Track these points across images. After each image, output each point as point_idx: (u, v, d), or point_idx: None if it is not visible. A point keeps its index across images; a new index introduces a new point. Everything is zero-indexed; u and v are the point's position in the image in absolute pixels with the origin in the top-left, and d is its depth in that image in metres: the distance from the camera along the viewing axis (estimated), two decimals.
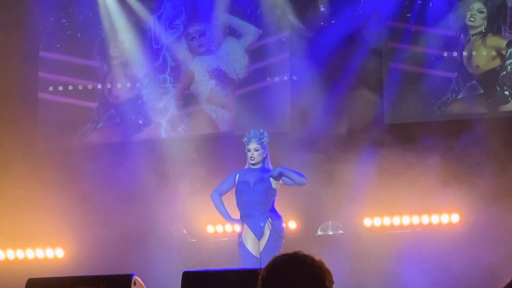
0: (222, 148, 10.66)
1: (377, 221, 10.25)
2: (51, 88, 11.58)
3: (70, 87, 11.57)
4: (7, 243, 10.82)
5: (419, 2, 10.79)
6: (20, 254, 10.85)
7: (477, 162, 9.92)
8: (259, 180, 8.00)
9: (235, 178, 8.10)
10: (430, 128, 10.34)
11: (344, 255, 9.75)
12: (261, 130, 8.12)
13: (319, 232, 10.43)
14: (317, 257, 2.89)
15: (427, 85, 10.71)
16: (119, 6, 11.43)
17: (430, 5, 10.77)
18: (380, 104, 10.74)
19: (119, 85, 11.51)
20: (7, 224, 10.71)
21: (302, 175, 8.03)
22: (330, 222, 10.44)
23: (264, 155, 8.07)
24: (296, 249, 2.92)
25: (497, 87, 10.55)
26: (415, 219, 10.16)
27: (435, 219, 10.11)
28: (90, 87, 11.57)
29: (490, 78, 10.57)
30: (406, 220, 10.18)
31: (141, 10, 11.42)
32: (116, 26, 11.45)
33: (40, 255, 10.84)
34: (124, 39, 11.49)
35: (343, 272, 9.37)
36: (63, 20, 11.66)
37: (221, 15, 11.30)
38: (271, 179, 7.99)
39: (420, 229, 10.17)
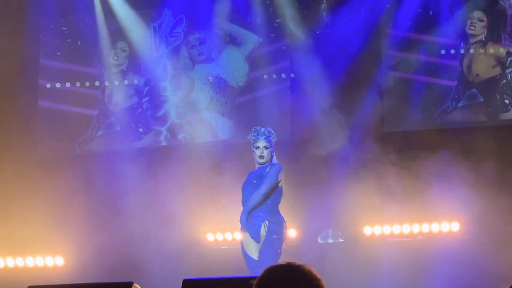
0: (222, 156, 10.67)
1: (377, 229, 10.24)
2: (48, 85, 11.57)
3: (70, 86, 11.57)
4: (7, 251, 10.80)
5: (419, 10, 10.80)
6: (19, 262, 10.83)
7: (477, 170, 9.92)
8: (260, 177, 7.72)
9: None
10: (430, 137, 10.35)
11: (344, 263, 9.75)
12: (268, 128, 7.88)
13: (319, 240, 10.42)
14: (307, 266, 2.92)
15: (427, 93, 10.71)
16: (119, 14, 11.45)
17: (430, 13, 10.78)
18: (380, 112, 10.74)
19: (119, 93, 11.52)
20: (6, 232, 10.70)
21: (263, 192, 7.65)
22: (330, 230, 10.43)
23: (272, 154, 7.82)
24: (292, 259, 2.95)
25: (497, 96, 10.55)
26: (415, 228, 10.15)
27: (435, 227, 10.10)
28: (90, 94, 11.57)
29: (490, 87, 10.58)
30: (406, 228, 10.17)
31: (141, 18, 11.44)
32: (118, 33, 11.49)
33: (40, 263, 10.82)
34: (124, 47, 11.51)
35: (343, 280, 9.36)
36: (64, 28, 11.68)
37: (222, 23, 11.31)
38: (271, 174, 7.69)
39: (420, 237, 10.16)
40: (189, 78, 11.43)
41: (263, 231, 7.59)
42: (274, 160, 7.84)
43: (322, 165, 10.33)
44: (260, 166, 7.77)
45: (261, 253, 7.59)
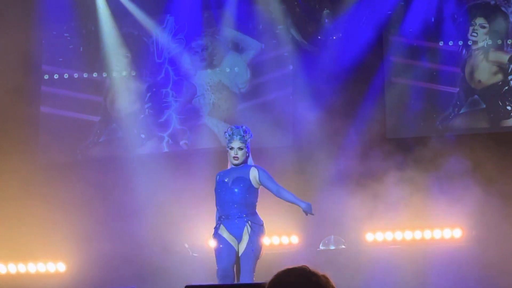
0: (224, 162, 10.63)
1: (379, 236, 10.23)
2: (50, 91, 11.57)
3: (72, 92, 11.57)
4: (8, 257, 10.79)
5: (421, 16, 10.80)
6: (21, 268, 10.82)
7: (479, 177, 9.91)
8: (238, 178, 7.35)
9: (215, 181, 7.49)
10: (432, 143, 10.34)
11: (346, 270, 9.73)
12: (244, 127, 7.49)
13: (321, 247, 10.40)
14: (321, 273, 2.85)
15: (429, 99, 10.71)
16: (122, 20, 11.45)
17: (433, 20, 10.79)
18: (381, 118, 10.74)
19: (121, 99, 11.52)
20: (8, 238, 10.69)
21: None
22: (332, 236, 10.42)
23: (247, 154, 7.43)
24: (301, 264, 2.87)
25: (499, 102, 10.55)
26: (417, 234, 10.15)
27: (437, 234, 10.09)
28: (92, 100, 11.57)
29: (492, 93, 10.58)
30: (408, 235, 10.16)
31: (143, 24, 11.44)
32: (119, 39, 11.49)
33: (42, 269, 10.81)
34: (126, 53, 11.52)
35: (344, 287, 9.35)
36: (66, 34, 11.67)
37: (224, 30, 11.32)
38: (251, 177, 7.36)
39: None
40: (191, 84, 11.43)
41: (245, 232, 7.28)
42: (250, 161, 7.48)
43: (324, 171, 10.32)
44: (234, 166, 7.43)
45: (242, 256, 7.27)
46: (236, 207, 7.31)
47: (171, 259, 10.42)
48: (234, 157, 7.38)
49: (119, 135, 11.45)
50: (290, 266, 2.86)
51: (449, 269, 9.68)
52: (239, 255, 7.30)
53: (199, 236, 10.44)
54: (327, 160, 10.39)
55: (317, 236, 10.38)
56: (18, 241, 10.69)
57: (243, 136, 7.41)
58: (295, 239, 10.31)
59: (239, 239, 7.30)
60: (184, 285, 6.04)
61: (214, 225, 7.48)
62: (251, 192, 7.34)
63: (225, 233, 7.33)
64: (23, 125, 11.34)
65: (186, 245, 10.61)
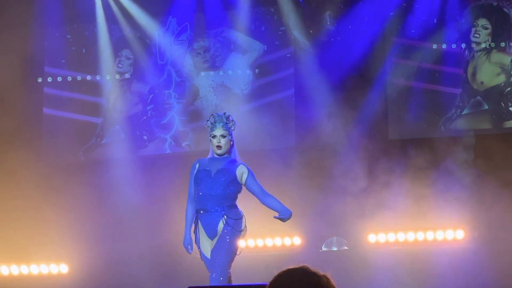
0: None
1: (381, 237, 10.23)
2: (53, 93, 11.57)
3: (75, 94, 11.58)
4: (11, 258, 10.80)
5: (423, 18, 10.81)
6: (24, 269, 10.83)
7: (481, 178, 9.91)
8: (223, 170, 7.01)
9: (195, 169, 7.12)
10: (435, 144, 10.34)
11: (348, 271, 9.73)
12: (226, 113, 7.11)
13: (323, 248, 10.40)
14: (322, 273, 2.84)
15: (431, 101, 10.71)
16: (124, 22, 11.46)
17: (434, 21, 10.79)
18: (384, 120, 10.74)
19: (123, 101, 11.52)
20: (11, 239, 10.70)
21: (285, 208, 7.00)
22: (335, 238, 10.42)
23: (231, 143, 7.08)
24: (302, 264, 2.87)
25: (502, 103, 10.55)
26: (420, 235, 10.14)
27: (439, 235, 10.08)
28: (94, 102, 11.58)
29: (495, 94, 10.58)
30: (411, 236, 10.16)
31: (146, 26, 11.45)
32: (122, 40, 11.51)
33: (44, 271, 10.82)
34: (128, 54, 11.53)
35: None
36: (68, 36, 11.69)
37: (226, 31, 11.32)
38: (237, 173, 7.00)
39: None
40: (193, 85, 11.43)
41: (220, 227, 6.97)
42: (235, 152, 7.16)
43: (327, 172, 10.32)
44: (218, 156, 7.08)
45: (214, 249, 6.99)
46: (215, 200, 6.99)
47: (173, 260, 10.41)
48: (217, 146, 7.02)
49: (122, 137, 11.46)
50: (291, 267, 2.85)
51: (451, 271, 9.68)
52: (211, 249, 7.01)
53: None
54: (329, 162, 10.38)
55: (320, 237, 10.38)
56: (20, 242, 10.70)
57: (226, 123, 7.06)
58: (297, 241, 10.31)
59: (213, 235, 7.01)
60: (187, 287, 6.04)
61: None
62: (234, 185, 7.03)
63: (203, 238, 7.05)
64: (26, 126, 11.35)
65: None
